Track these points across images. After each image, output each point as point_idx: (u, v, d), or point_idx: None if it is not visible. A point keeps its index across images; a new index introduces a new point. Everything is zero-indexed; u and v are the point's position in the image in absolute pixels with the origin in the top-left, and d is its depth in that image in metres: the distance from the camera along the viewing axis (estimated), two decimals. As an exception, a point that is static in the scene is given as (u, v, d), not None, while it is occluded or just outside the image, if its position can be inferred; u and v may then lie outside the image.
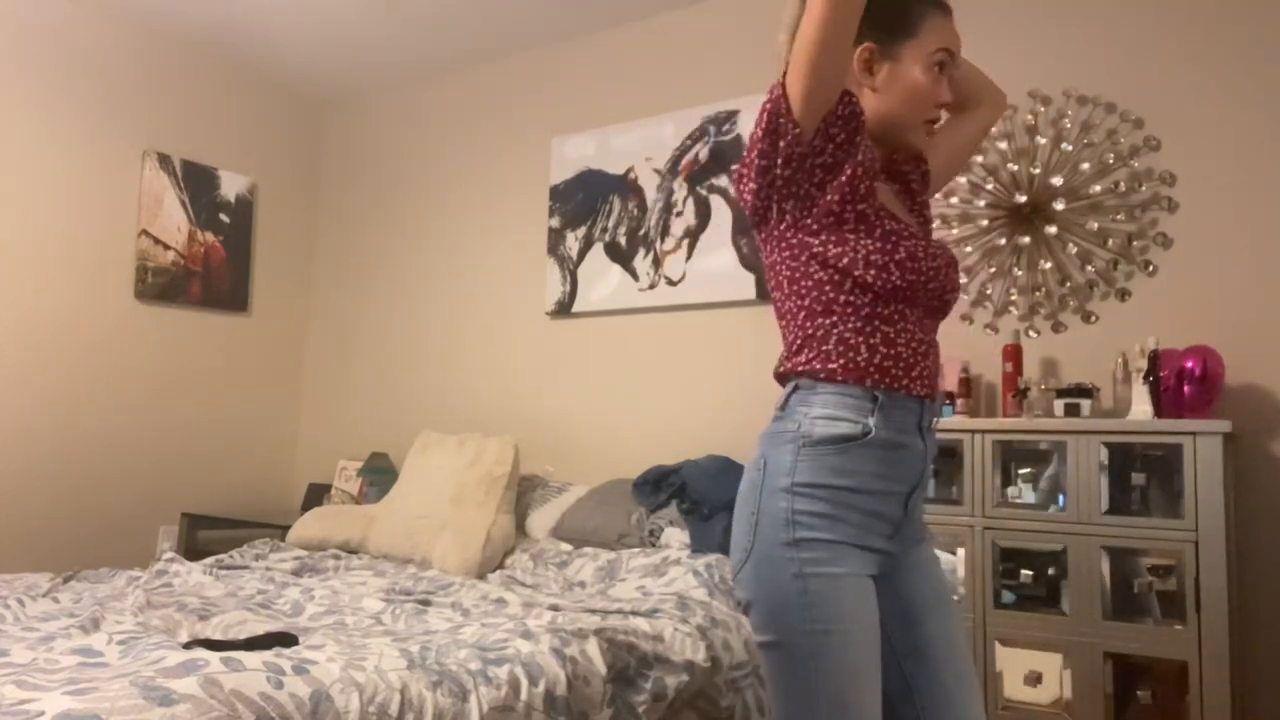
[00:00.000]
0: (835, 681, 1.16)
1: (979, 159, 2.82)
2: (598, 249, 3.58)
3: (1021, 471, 2.39)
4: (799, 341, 1.25)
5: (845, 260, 1.21)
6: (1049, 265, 2.70)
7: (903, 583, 1.28)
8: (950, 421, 2.51)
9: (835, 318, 1.22)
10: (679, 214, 3.39)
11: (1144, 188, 2.59)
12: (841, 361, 1.21)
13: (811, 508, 1.19)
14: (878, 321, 1.21)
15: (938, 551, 1.38)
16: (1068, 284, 2.68)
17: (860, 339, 1.21)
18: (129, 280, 3.82)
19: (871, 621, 1.19)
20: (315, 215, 4.59)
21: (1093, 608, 2.22)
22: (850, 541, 1.19)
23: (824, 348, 1.23)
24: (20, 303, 3.49)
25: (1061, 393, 2.43)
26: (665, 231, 3.42)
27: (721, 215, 3.29)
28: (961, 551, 2.39)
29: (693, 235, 3.35)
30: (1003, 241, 2.77)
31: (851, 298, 1.22)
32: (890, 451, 1.21)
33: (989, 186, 2.81)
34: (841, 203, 1.20)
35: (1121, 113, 2.64)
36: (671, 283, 3.38)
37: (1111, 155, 2.63)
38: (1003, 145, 2.79)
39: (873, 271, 1.20)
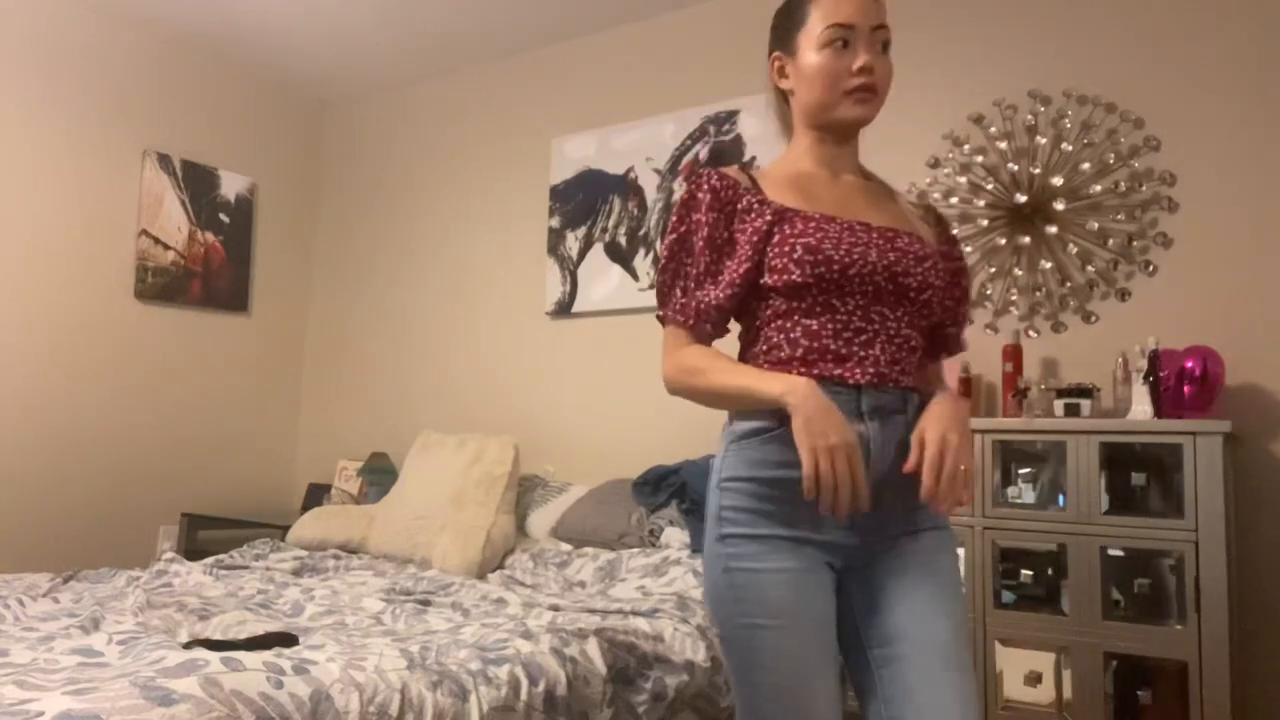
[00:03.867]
0: (773, 675, 1.17)
1: (979, 159, 2.82)
2: (598, 249, 3.58)
3: (1021, 471, 2.39)
4: (740, 347, 1.32)
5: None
6: (1049, 265, 2.70)
7: (877, 572, 1.24)
8: (950, 421, 2.51)
9: (759, 320, 1.26)
10: (679, 214, 3.39)
11: (1144, 188, 2.59)
12: (767, 358, 1.25)
13: (736, 503, 1.21)
14: (798, 316, 1.23)
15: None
16: (1068, 284, 2.68)
17: (781, 336, 1.24)
18: (129, 280, 3.82)
19: (814, 614, 1.18)
20: (315, 215, 4.59)
21: (1093, 608, 2.22)
22: (781, 535, 1.19)
23: (753, 349, 1.28)
24: (20, 302, 3.49)
25: (1061, 393, 2.43)
26: (665, 231, 3.41)
27: (721, 215, 3.29)
28: (961, 551, 2.39)
29: (693, 235, 3.35)
30: (1003, 241, 2.77)
31: (767, 300, 1.25)
32: None
33: (989, 186, 2.81)
34: None
35: (1121, 113, 2.64)
36: (671, 283, 3.38)
37: (1111, 155, 2.63)
38: (1003, 145, 2.79)
39: (773, 276, 1.23)
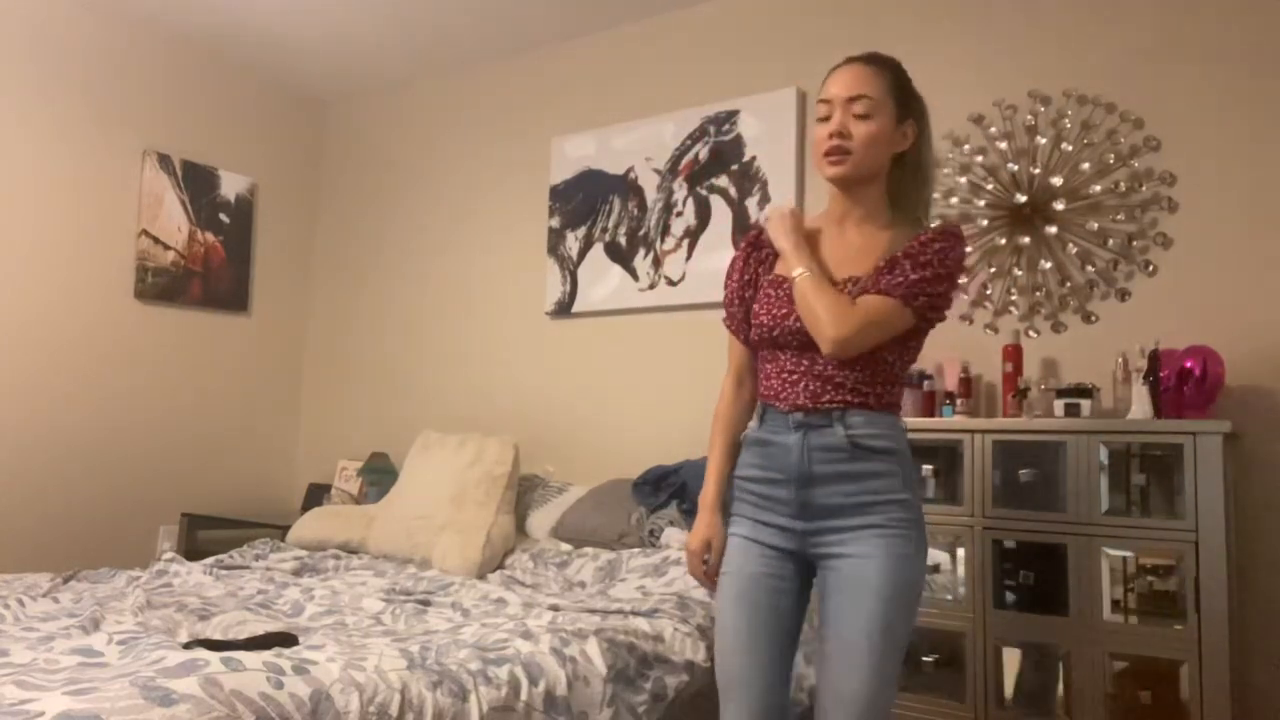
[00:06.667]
0: (721, 615, 1.60)
1: (979, 159, 2.82)
2: (598, 249, 3.58)
3: (1021, 471, 2.39)
4: None
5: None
6: (1049, 265, 2.70)
7: (827, 569, 1.55)
8: (950, 421, 2.51)
9: (758, 358, 1.68)
10: (679, 214, 3.39)
11: (1144, 188, 2.59)
12: (763, 386, 1.64)
13: (735, 491, 1.65)
14: (760, 360, 1.66)
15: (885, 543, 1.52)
16: (1068, 284, 2.68)
17: (762, 372, 1.65)
18: (129, 280, 3.81)
19: (750, 570, 1.57)
20: (315, 215, 4.59)
21: (1093, 608, 2.22)
22: (745, 515, 1.62)
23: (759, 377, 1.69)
24: (20, 303, 3.49)
25: (1061, 393, 2.43)
26: (665, 231, 3.42)
27: (721, 215, 3.29)
28: (961, 551, 2.39)
29: (693, 235, 3.35)
30: (1003, 241, 2.77)
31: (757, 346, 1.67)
32: (764, 447, 1.59)
33: (989, 186, 2.81)
34: None
35: (1121, 113, 2.64)
36: (671, 283, 3.38)
37: (1111, 155, 2.63)
38: (1003, 145, 2.79)
39: (747, 330, 1.68)
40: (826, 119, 1.57)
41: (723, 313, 1.75)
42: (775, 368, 1.60)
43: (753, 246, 1.70)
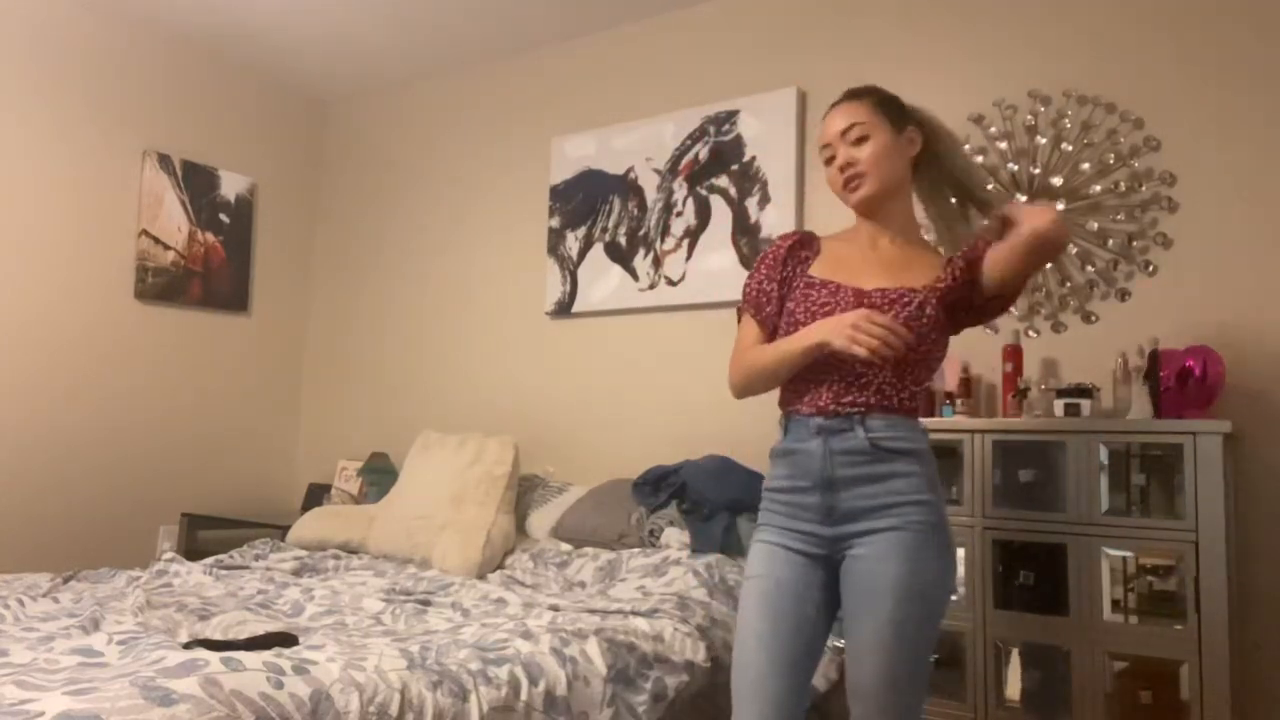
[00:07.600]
0: (743, 617, 1.61)
1: (979, 159, 2.82)
2: (598, 249, 3.58)
3: (1021, 471, 2.39)
4: None
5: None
6: (1049, 265, 2.70)
7: (844, 572, 1.60)
8: (950, 421, 2.51)
9: None
10: (679, 214, 3.39)
11: (1144, 188, 2.59)
12: (790, 387, 1.67)
13: (764, 502, 1.69)
14: None
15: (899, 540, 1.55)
16: (1068, 284, 2.68)
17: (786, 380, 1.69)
18: (129, 280, 3.82)
19: (778, 574, 1.60)
20: (315, 215, 4.59)
21: (1093, 608, 2.22)
22: (772, 524, 1.65)
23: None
24: (20, 303, 3.49)
25: (1061, 393, 2.43)
26: (665, 231, 3.42)
27: (721, 215, 3.29)
28: (961, 551, 2.39)
29: (693, 235, 3.35)
30: (1003, 241, 2.77)
31: None
32: (790, 457, 1.64)
33: (989, 186, 2.80)
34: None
35: (1121, 113, 2.64)
36: (671, 283, 3.38)
37: (1111, 155, 2.63)
38: (1003, 145, 2.79)
39: (776, 322, 1.70)
40: (832, 159, 1.69)
41: (739, 299, 1.77)
42: (807, 366, 1.62)
43: (798, 246, 1.73)
